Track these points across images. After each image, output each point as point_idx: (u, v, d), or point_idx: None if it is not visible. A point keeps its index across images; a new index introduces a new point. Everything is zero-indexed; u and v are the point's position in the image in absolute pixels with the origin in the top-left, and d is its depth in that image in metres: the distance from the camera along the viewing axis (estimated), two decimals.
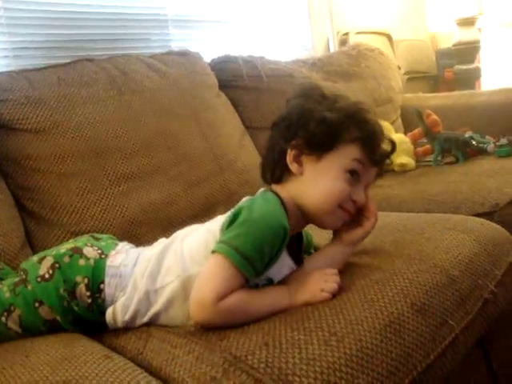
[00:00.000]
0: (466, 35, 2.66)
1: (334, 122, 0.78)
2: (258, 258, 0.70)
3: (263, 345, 0.65)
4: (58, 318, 0.78)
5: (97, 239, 0.90)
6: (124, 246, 0.89)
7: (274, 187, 0.83)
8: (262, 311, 0.72)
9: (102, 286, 0.79)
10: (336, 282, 0.75)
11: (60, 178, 1.15)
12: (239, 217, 0.73)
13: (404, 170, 1.69)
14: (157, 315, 0.77)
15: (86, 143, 1.19)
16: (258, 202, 0.76)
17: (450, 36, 2.76)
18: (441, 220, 1.05)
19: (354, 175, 0.79)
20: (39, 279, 0.79)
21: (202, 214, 1.27)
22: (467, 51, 2.68)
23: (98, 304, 0.79)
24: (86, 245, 0.84)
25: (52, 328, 0.79)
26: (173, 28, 1.87)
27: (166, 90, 1.42)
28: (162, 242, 0.85)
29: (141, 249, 0.88)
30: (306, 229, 0.89)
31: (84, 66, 1.32)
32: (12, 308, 0.78)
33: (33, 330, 0.79)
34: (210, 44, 1.95)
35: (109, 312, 0.78)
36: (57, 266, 0.79)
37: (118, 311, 0.77)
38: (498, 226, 1.04)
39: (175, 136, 1.37)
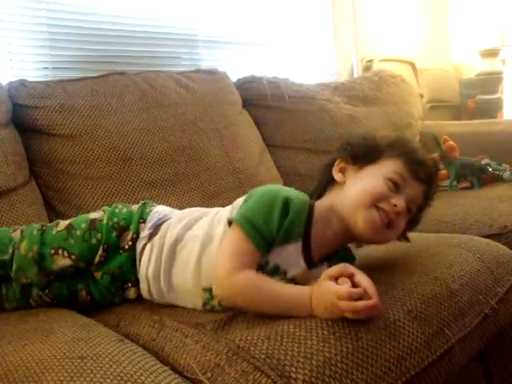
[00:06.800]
0: (489, 66, 2.69)
1: (377, 139, 0.90)
2: (262, 224, 0.77)
3: (265, 338, 0.69)
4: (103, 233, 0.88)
5: None
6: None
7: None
8: (275, 302, 0.74)
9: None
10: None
11: (87, 181, 1.23)
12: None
13: None
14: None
15: (113, 150, 1.27)
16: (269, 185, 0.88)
17: (474, 66, 2.80)
18: (447, 239, 1.08)
19: (394, 185, 0.83)
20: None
21: None
22: (490, 82, 2.70)
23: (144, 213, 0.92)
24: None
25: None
26: (202, 48, 1.96)
27: (192, 105, 1.50)
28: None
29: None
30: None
31: (116, 78, 1.41)
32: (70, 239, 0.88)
33: (86, 257, 0.87)
34: (238, 64, 2.04)
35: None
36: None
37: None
38: (503, 247, 1.06)
39: (197, 149, 1.44)
